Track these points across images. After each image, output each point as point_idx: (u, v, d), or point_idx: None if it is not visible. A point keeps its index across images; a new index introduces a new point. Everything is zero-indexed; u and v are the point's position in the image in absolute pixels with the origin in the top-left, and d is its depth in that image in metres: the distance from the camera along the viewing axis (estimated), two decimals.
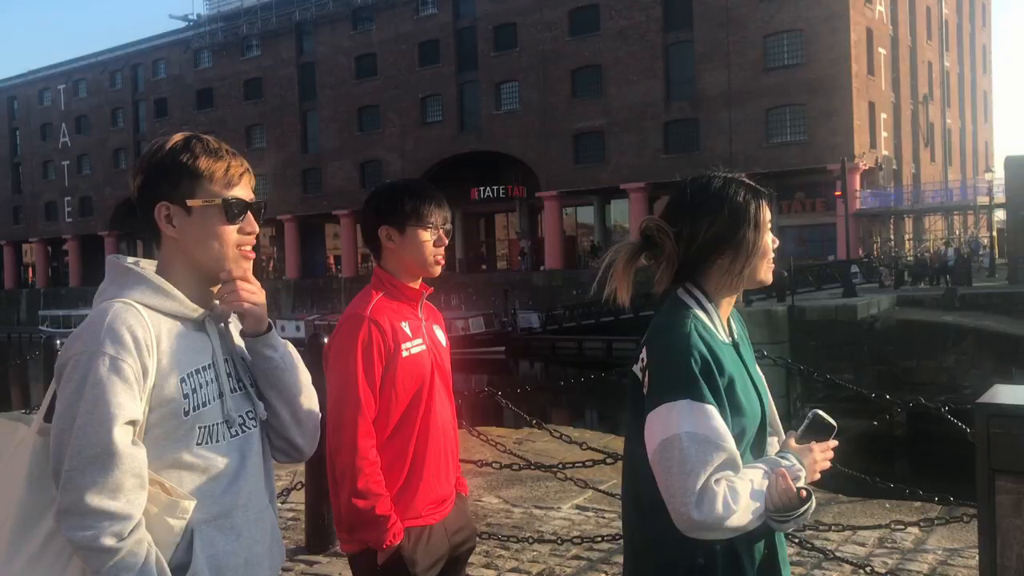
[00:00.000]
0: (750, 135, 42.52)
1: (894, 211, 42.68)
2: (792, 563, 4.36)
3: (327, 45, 56.82)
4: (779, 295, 26.15)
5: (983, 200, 40.85)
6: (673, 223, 1.86)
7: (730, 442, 1.73)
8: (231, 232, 1.74)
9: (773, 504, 1.74)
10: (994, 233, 42.71)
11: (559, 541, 4.59)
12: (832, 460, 1.90)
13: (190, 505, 1.63)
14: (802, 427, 1.89)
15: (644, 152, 45.38)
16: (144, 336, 1.61)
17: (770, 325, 23.33)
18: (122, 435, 1.55)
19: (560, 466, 4.82)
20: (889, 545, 4.62)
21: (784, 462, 1.80)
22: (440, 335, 2.58)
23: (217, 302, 1.78)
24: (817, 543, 4.41)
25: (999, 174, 36.17)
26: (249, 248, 1.78)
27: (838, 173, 35.84)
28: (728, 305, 1.93)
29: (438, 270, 2.50)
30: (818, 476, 1.87)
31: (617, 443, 7.05)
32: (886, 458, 16.64)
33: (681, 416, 1.70)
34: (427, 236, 2.45)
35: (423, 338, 2.46)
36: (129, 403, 1.57)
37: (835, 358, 21.40)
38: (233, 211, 1.74)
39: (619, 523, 5.13)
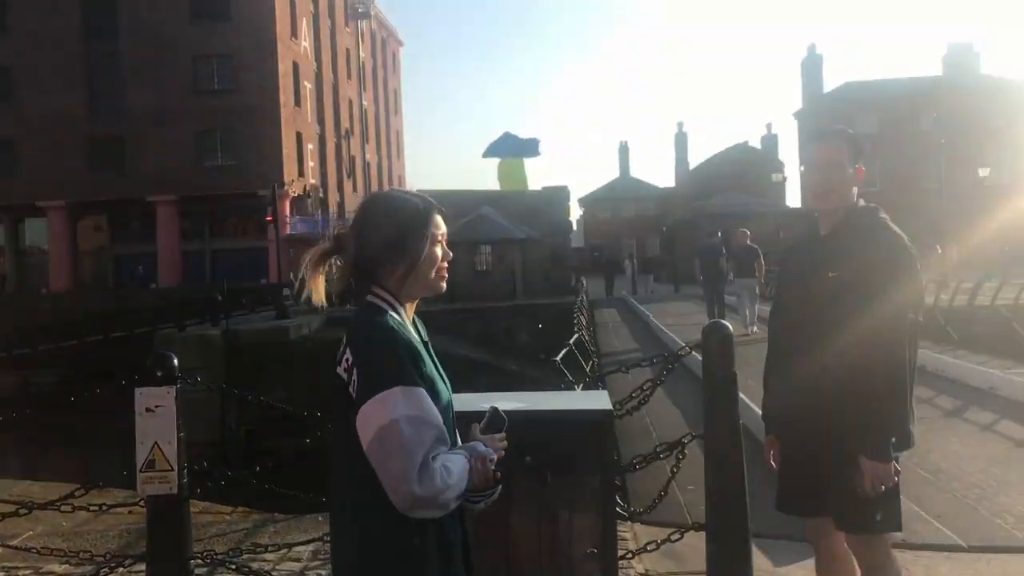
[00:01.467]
0: (181, 157, 41.74)
1: (321, 237, 45.15)
2: None
3: None
4: (212, 319, 25.93)
5: None
6: (353, 229, 2.07)
7: (439, 419, 1.91)
8: None
9: (472, 485, 1.94)
10: None
11: None
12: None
13: None
14: (484, 420, 2.12)
15: (66, 167, 41.72)
16: None
17: (204, 350, 22.96)
18: None
19: None
20: (323, 557, 4.88)
21: (480, 448, 1.99)
22: None
23: None
24: (255, 565, 4.49)
25: None
26: None
27: (269, 199, 36.84)
28: (411, 309, 2.09)
29: None
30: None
31: (34, 490, 6.35)
32: (321, 473, 17.42)
33: (397, 402, 1.84)
34: None
35: None
36: None
37: (270, 379, 21.78)
38: None
39: None
